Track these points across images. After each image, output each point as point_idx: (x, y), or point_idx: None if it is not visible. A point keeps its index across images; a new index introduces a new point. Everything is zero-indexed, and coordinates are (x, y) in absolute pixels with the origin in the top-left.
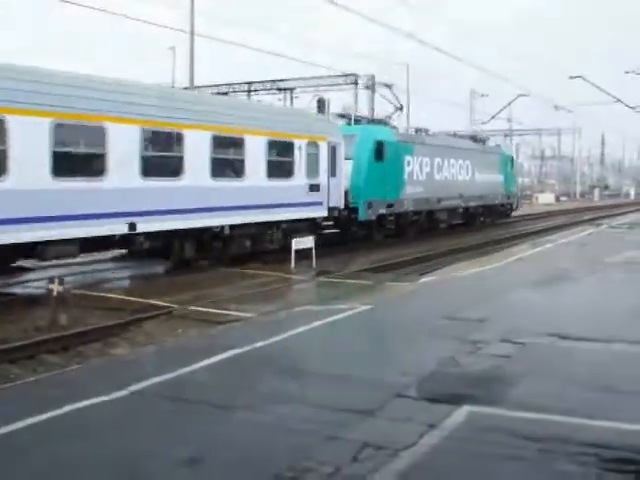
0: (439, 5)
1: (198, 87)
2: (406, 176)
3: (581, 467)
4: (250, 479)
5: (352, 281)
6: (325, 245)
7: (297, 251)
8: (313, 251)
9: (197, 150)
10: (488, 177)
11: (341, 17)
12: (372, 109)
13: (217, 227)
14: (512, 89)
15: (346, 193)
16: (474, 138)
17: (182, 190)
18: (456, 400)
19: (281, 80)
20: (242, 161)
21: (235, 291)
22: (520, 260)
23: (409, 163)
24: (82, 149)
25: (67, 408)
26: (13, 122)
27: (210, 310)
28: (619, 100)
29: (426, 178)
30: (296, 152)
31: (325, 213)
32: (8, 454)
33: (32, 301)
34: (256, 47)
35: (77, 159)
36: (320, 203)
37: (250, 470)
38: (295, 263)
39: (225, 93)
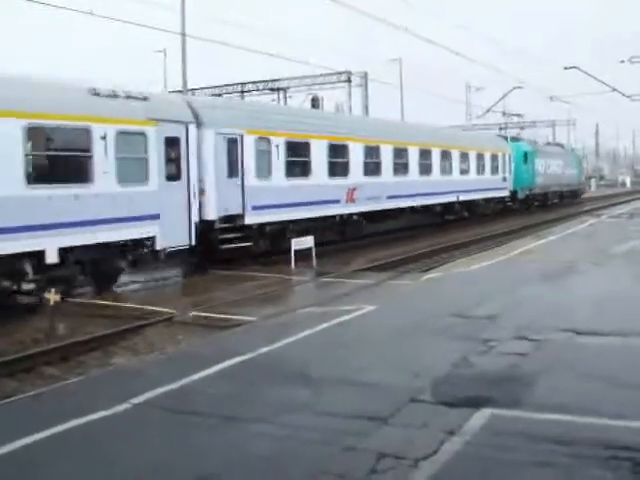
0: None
1: (192, 90)
2: (536, 172)
3: (615, 473)
4: None
5: (354, 281)
6: (323, 244)
7: (296, 251)
8: (313, 251)
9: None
10: (571, 171)
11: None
12: (366, 106)
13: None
14: (507, 81)
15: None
16: (559, 145)
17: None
18: (474, 403)
19: (274, 80)
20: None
21: (236, 294)
22: (525, 253)
23: (537, 164)
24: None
25: (68, 424)
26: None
27: (211, 315)
28: (615, 89)
29: (544, 173)
30: (490, 160)
31: (508, 193)
32: (8, 475)
33: (29, 311)
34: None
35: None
36: (505, 188)
37: None
38: (295, 264)
39: (219, 95)
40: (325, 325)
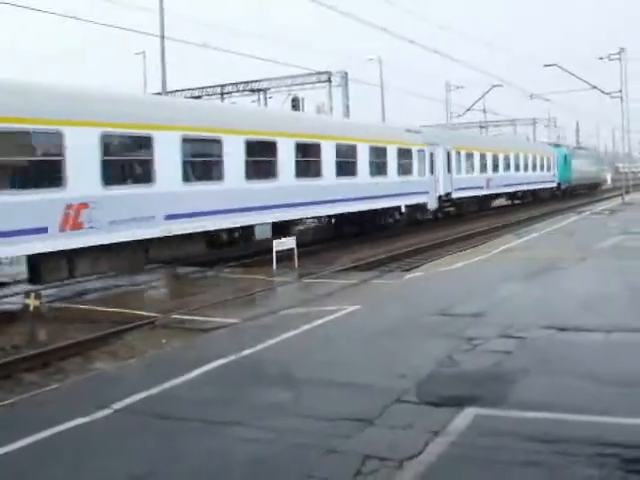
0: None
1: (171, 92)
2: (573, 170)
3: (602, 470)
4: None
5: (337, 281)
6: (305, 245)
7: (278, 252)
8: (295, 251)
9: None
10: (594, 169)
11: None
12: (347, 106)
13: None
14: (487, 79)
15: None
16: (585, 148)
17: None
18: (459, 402)
19: (254, 81)
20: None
21: (217, 297)
22: (508, 251)
23: (573, 164)
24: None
25: (46, 432)
26: None
27: (193, 318)
28: (595, 87)
29: (577, 170)
30: (545, 161)
31: (555, 185)
32: None
33: (9, 317)
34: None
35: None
36: (554, 181)
37: None
38: (276, 264)
39: (199, 97)
40: (308, 326)
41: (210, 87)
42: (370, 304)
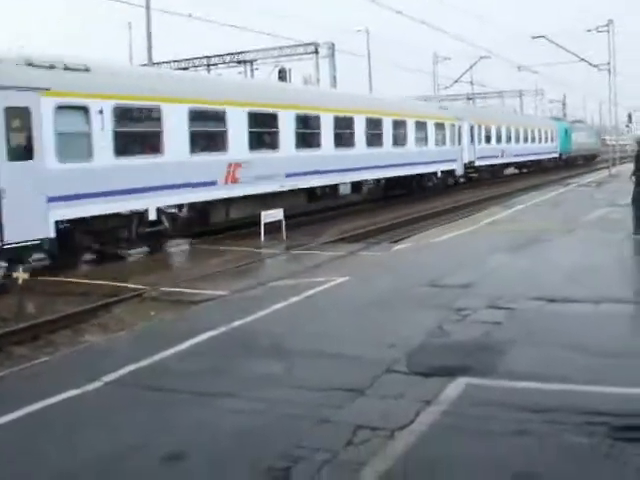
0: None
1: (157, 63)
2: (572, 142)
3: (590, 438)
4: (240, 473)
5: (325, 253)
6: (294, 216)
7: (266, 224)
8: (283, 223)
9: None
10: (591, 141)
11: None
12: (334, 77)
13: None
14: (474, 51)
15: None
16: (583, 122)
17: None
18: (449, 372)
19: (240, 52)
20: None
21: (205, 269)
22: (495, 223)
23: (572, 137)
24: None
25: (38, 405)
26: None
27: (182, 290)
28: (583, 59)
29: (576, 142)
30: (549, 134)
31: (557, 155)
32: None
33: None
34: (213, 20)
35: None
36: (556, 152)
37: (240, 463)
38: (264, 236)
39: (185, 68)
40: (297, 298)
41: (196, 58)
42: (359, 275)
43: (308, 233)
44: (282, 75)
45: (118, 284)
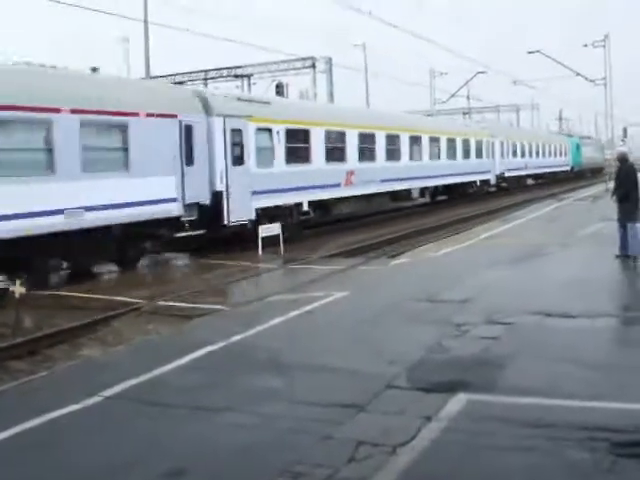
0: None
1: (154, 77)
2: (582, 156)
3: (593, 454)
4: None
5: (323, 267)
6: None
7: (263, 238)
8: (280, 238)
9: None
10: (598, 155)
11: None
12: (331, 93)
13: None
14: (471, 66)
15: None
16: (590, 137)
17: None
18: (450, 388)
19: (238, 67)
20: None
21: (203, 283)
22: (491, 237)
23: (582, 151)
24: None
25: (38, 420)
26: None
27: (180, 304)
28: (578, 74)
29: (585, 156)
30: (562, 149)
31: (569, 168)
32: None
33: None
34: (211, 34)
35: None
36: (568, 165)
37: (240, 479)
38: (262, 251)
39: (181, 83)
40: (296, 312)
41: (194, 72)
42: (358, 290)
43: (306, 247)
44: (279, 90)
45: (114, 298)
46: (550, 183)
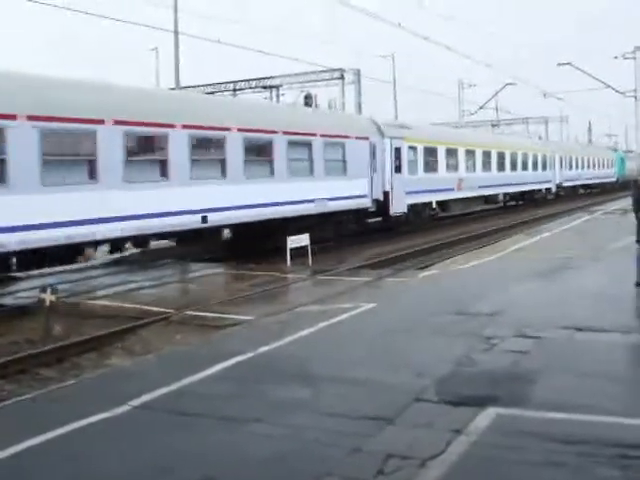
0: None
1: (184, 87)
2: (626, 168)
3: (624, 472)
4: None
5: (351, 278)
6: (319, 242)
7: (292, 249)
8: (309, 248)
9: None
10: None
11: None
12: (359, 103)
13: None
14: (500, 77)
15: None
16: (632, 151)
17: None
18: (479, 402)
19: (267, 78)
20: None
21: (232, 293)
22: (521, 250)
23: (626, 164)
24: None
25: (67, 428)
26: None
27: (208, 314)
28: (608, 86)
29: (628, 168)
30: (609, 162)
31: (615, 179)
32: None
33: (23, 312)
34: (241, 45)
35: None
36: (614, 177)
37: None
38: (290, 261)
39: (211, 93)
40: (324, 323)
41: (223, 83)
42: (386, 302)
43: (334, 258)
44: (308, 101)
45: (143, 307)
46: (597, 193)
